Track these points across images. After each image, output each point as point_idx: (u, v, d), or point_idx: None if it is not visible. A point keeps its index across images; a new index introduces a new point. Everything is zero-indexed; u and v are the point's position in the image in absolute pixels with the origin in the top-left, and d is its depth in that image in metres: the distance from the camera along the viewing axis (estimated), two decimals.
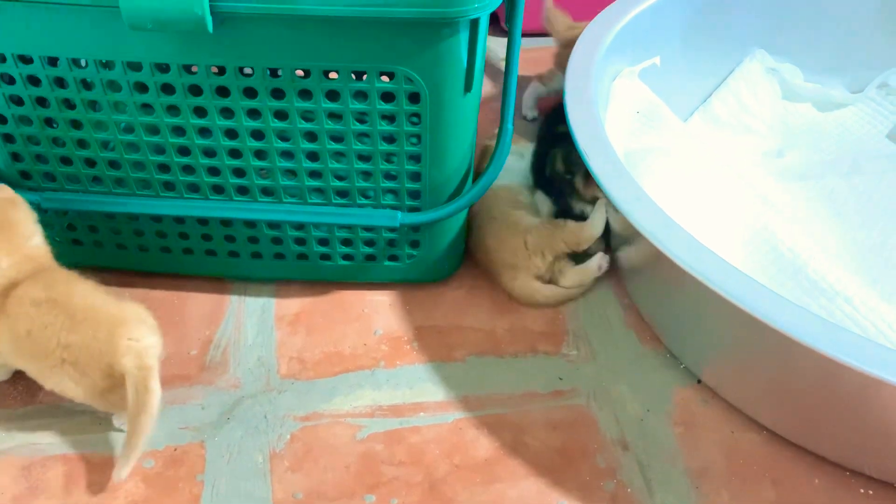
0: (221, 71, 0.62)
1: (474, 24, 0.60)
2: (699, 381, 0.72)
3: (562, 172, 0.83)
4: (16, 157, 0.69)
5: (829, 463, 0.66)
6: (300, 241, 0.75)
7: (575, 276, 0.79)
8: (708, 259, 0.61)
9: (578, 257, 0.81)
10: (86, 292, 0.61)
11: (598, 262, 0.79)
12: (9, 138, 0.68)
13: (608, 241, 0.82)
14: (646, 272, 0.76)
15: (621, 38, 0.84)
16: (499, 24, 1.12)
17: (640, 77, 0.88)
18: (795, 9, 0.96)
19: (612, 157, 0.70)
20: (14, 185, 0.71)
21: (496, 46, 1.11)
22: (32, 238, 0.65)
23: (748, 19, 0.96)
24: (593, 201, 0.81)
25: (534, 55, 1.11)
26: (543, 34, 1.11)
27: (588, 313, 0.79)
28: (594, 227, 0.79)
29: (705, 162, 0.88)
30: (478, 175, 0.73)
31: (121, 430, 0.66)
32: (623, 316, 0.79)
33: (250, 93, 0.63)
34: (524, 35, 0.67)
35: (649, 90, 0.89)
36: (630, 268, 0.79)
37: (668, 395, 0.72)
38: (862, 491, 0.65)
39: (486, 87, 1.07)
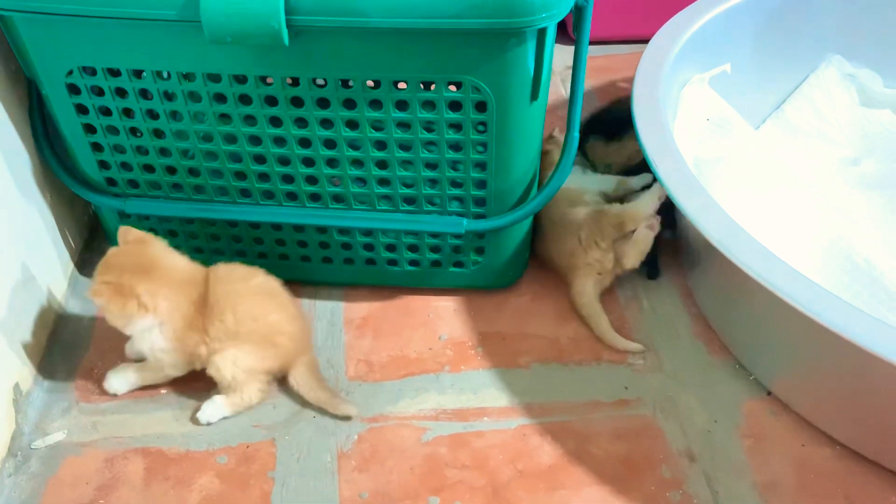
0: (295, 82, 0.64)
1: (542, 33, 0.60)
2: (769, 393, 0.71)
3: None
4: (103, 164, 0.73)
5: None
6: (369, 247, 0.77)
7: (633, 250, 0.77)
8: (779, 268, 0.60)
9: None
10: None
11: (645, 227, 0.77)
12: (97, 147, 0.72)
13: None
14: (715, 281, 0.75)
15: (691, 45, 0.84)
16: (566, 31, 1.12)
17: (710, 84, 0.87)
18: (875, 14, 0.93)
19: (681, 164, 0.70)
20: (100, 192, 0.75)
21: (563, 54, 1.11)
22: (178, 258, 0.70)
23: (824, 24, 0.94)
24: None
25: (600, 63, 1.11)
26: (610, 42, 1.11)
27: (655, 322, 0.78)
28: (643, 206, 0.77)
29: (777, 170, 0.86)
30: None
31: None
32: (691, 326, 0.78)
33: (323, 103, 0.65)
34: (591, 43, 0.68)
35: (719, 97, 0.88)
36: (699, 277, 0.78)
37: (736, 407, 0.70)
38: None
39: (552, 95, 1.07)
